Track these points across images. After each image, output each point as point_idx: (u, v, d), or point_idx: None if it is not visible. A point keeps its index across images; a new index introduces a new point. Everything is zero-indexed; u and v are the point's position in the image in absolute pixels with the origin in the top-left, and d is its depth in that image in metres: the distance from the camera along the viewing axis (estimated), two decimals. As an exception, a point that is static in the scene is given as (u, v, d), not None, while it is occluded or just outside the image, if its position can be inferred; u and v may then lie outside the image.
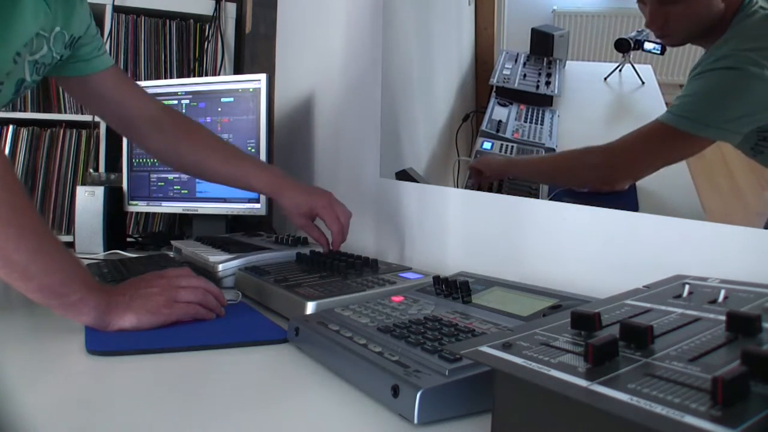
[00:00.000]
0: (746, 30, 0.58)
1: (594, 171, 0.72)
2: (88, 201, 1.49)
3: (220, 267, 1.04)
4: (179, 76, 2.19)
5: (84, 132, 2.12)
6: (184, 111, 1.66)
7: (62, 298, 0.69)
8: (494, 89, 0.94)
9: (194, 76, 2.21)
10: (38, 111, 2.10)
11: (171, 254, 1.33)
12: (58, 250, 0.70)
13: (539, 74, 0.86)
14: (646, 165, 0.67)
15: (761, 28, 0.57)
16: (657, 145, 0.65)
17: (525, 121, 0.88)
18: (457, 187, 1.03)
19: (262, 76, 1.56)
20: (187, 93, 1.66)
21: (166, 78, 2.17)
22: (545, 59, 0.85)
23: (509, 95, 0.92)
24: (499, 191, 0.93)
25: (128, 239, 1.67)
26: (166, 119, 1.12)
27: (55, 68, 0.96)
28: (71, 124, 2.11)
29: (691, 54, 0.65)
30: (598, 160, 0.71)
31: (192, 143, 1.12)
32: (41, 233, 0.69)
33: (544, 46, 0.85)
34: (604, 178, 0.72)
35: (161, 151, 1.14)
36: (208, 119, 1.63)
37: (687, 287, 0.49)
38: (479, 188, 0.97)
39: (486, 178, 0.95)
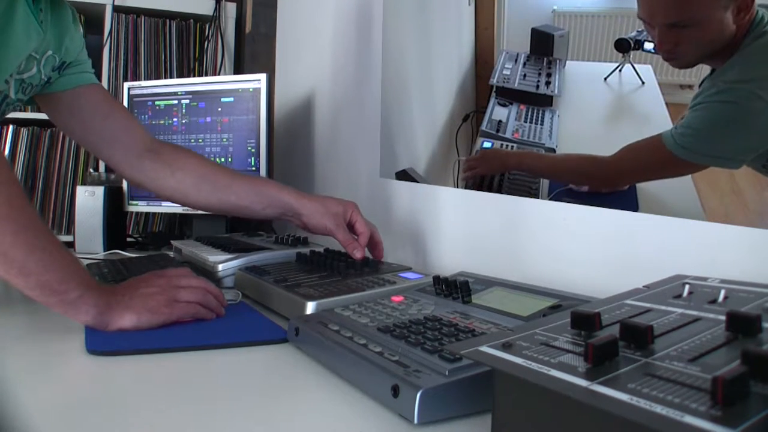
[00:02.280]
0: (751, 55, 0.57)
1: (607, 182, 0.76)
2: (88, 201, 1.48)
3: (220, 267, 1.04)
4: (179, 76, 2.19)
5: (84, 132, 2.11)
6: (183, 111, 1.66)
7: (61, 295, 0.69)
8: (494, 89, 0.94)
9: (194, 76, 2.21)
10: (38, 111, 2.10)
11: (171, 254, 1.33)
12: (56, 247, 0.70)
13: (539, 74, 0.86)
14: (651, 178, 0.70)
15: (765, 54, 0.56)
16: (662, 167, 0.68)
17: (525, 121, 0.88)
18: (457, 187, 1.03)
19: (262, 76, 1.56)
20: (187, 93, 1.66)
21: (166, 78, 2.16)
22: (545, 59, 0.85)
23: (509, 95, 0.92)
24: (499, 190, 0.93)
25: (128, 239, 1.67)
26: (158, 143, 1.06)
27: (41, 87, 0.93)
28: (71, 124, 2.11)
29: (691, 54, 0.65)
30: (612, 173, 0.74)
31: (193, 160, 1.05)
32: (39, 230, 0.69)
33: (544, 46, 0.85)
34: (612, 187, 0.75)
35: (150, 171, 1.03)
36: (208, 119, 1.63)
37: (687, 287, 0.49)
38: (480, 183, 0.97)
39: (490, 170, 0.94)
